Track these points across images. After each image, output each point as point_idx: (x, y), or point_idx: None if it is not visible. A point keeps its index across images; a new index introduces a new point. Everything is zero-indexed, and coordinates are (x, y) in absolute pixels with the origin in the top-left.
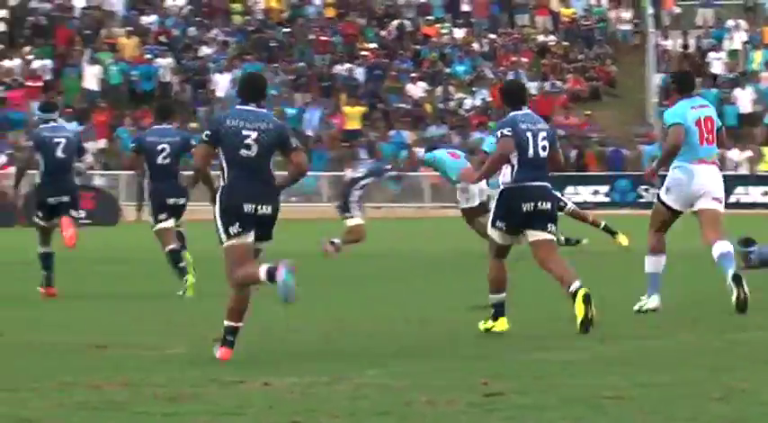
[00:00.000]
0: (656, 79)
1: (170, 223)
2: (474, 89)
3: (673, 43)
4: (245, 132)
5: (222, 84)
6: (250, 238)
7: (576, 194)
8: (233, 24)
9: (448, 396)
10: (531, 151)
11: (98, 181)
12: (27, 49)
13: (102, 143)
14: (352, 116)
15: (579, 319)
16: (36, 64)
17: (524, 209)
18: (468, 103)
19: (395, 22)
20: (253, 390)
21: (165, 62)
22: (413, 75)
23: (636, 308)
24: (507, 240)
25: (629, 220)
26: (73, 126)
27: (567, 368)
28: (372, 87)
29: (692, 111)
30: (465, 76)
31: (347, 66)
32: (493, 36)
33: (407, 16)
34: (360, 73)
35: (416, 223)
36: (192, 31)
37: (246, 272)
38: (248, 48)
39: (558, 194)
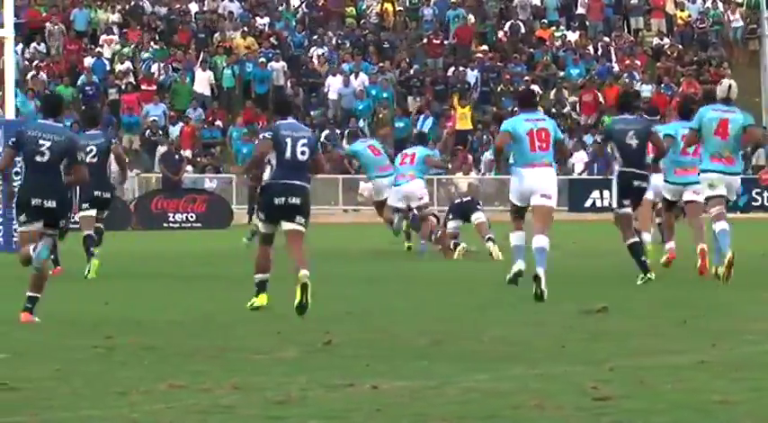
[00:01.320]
0: None
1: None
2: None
3: None
4: (41, 141)
5: (335, 86)
6: (36, 225)
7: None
8: (346, 28)
9: (556, 400)
10: (288, 154)
11: (209, 184)
12: (144, 53)
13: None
14: (463, 116)
15: (296, 303)
16: (151, 67)
17: (276, 202)
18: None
19: (508, 25)
20: (361, 393)
21: (279, 65)
22: (526, 78)
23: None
24: (270, 229)
25: (744, 224)
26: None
27: (675, 373)
28: (485, 90)
29: (526, 123)
30: (578, 79)
31: (461, 69)
32: (607, 39)
33: (521, 19)
34: (473, 76)
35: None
36: (305, 34)
37: (25, 250)
38: (361, 51)
39: None
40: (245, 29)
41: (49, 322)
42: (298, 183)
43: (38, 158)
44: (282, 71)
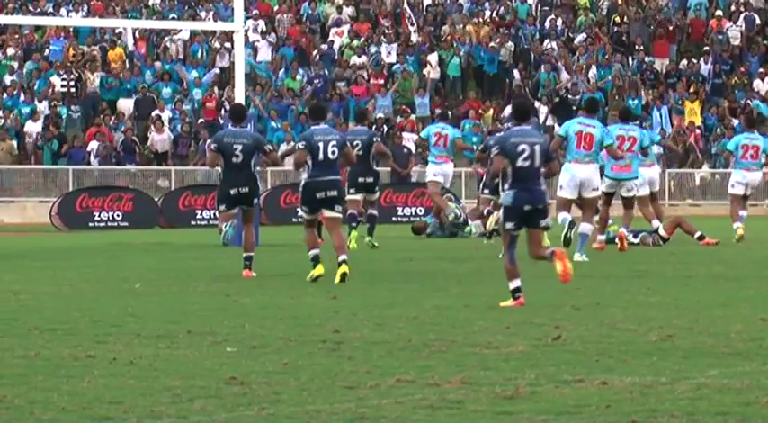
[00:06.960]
0: None
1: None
2: None
3: None
4: (235, 146)
5: (563, 76)
6: (234, 209)
7: None
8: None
9: None
10: (321, 155)
11: None
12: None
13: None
14: (692, 111)
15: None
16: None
17: (318, 196)
18: None
19: (742, 16)
20: (590, 389)
21: (505, 50)
22: (761, 70)
23: None
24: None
25: None
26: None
27: None
28: (717, 82)
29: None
30: None
31: (693, 61)
32: None
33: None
34: (706, 69)
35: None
36: (535, 26)
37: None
38: (592, 42)
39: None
40: (475, 20)
41: (278, 316)
42: (334, 178)
43: (234, 160)
44: (509, 51)
